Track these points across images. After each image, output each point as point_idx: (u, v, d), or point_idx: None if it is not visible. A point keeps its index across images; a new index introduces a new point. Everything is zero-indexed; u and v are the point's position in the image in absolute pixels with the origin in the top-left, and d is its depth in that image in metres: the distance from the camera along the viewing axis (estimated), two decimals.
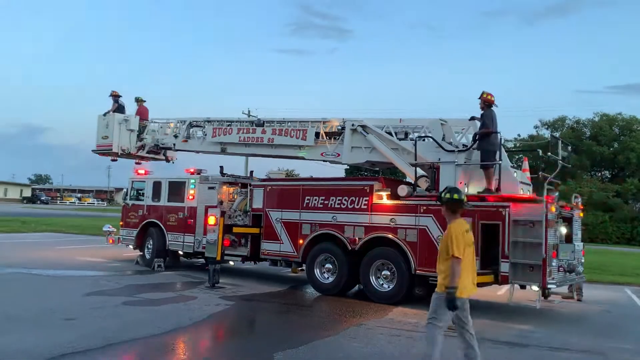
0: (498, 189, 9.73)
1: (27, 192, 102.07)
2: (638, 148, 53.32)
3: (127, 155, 16.06)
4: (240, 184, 14.07)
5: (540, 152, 10.37)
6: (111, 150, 15.68)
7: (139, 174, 15.65)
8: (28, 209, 58.96)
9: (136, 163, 16.58)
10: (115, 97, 16.10)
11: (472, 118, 10.55)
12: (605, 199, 48.19)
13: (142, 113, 16.22)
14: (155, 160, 16.59)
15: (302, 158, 12.83)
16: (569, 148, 11.69)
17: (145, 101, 16.43)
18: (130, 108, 16.31)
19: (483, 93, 10.10)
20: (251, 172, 15.50)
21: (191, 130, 15.15)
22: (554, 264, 9.00)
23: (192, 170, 14.32)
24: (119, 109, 15.97)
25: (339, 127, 12.14)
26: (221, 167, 14.29)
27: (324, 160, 12.49)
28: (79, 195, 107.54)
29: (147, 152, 16.13)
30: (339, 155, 12.09)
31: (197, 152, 15.08)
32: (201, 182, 13.96)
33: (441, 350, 5.27)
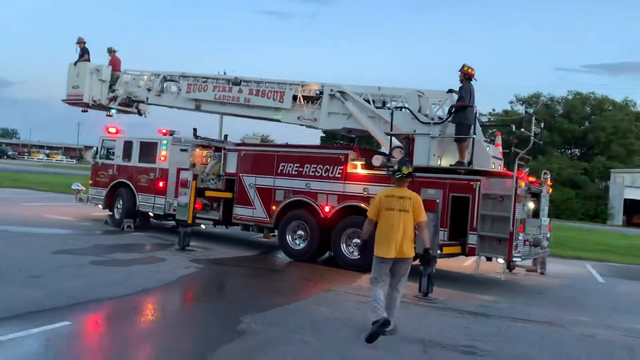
0: (470, 163, 9.85)
1: None
2: (607, 127, 54.58)
3: (98, 106, 15.63)
4: (213, 148, 13.93)
5: (514, 127, 10.49)
6: (82, 100, 15.26)
7: (109, 132, 15.32)
8: None
9: (107, 115, 16.13)
10: (83, 44, 15.55)
11: (450, 91, 10.57)
12: (573, 176, 49.43)
13: (115, 64, 15.75)
14: (127, 113, 16.13)
15: (278, 120, 12.69)
16: (542, 125, 11.85)
17: (117, 51, 15.92)
18: (103, 58, 15.83)
19: (464, 66, 10.10)
20: (225, 135, 15.32)
21: (165, 84, 14.75)
22: (520, 237, 9.23)
23: (164, 131, 14.07)
24: (89, 57, 15.48)
25: (317, 92, 12.04)
26: (194, 130, 14.09)
27: (300, 124, 12.38)
28: (47, 151, 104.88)
29: (119, 105, 15.70)
30: (315, 120, 12.02)
31: (171, 107, 14.73)
32: (174, 143, 13.74)
33: (380, 298, 5.88)
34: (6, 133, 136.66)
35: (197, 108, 13.99)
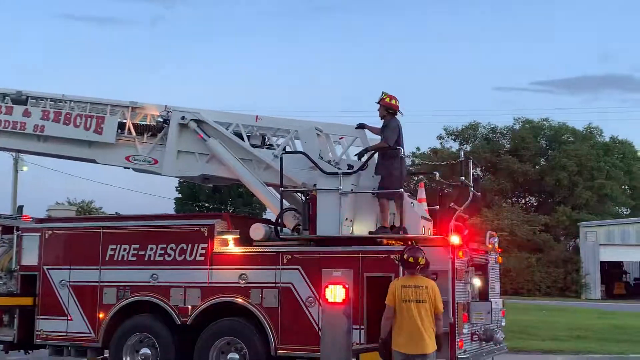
0: (402, 228, 9.95)
1: None
2: (570, 166, 58.41)
3: None
4: (1, 228, 13.36)
5: (438, 175, 10.92)
6: None
7: None
8: None
9: None
10: None
11: (361, 126, 10.94)
12: (531, 235, 52.21)
13: None
14: None
15: (94, 161, 12.49)
16: (478, 170, 12.15)
17: None
18: None
19: (383, 95, 10.47)
20: (20, 207, 14.88)
21: None
22: (465, 330, 9.56)
23: None
24: None
25: (160, 120, 12.00)
26: None
27: (128, 167, 12.20)
28: None
29: None
30: (156, 162, 11.89)
31: None
32: None
33: None
34: None
35: None
